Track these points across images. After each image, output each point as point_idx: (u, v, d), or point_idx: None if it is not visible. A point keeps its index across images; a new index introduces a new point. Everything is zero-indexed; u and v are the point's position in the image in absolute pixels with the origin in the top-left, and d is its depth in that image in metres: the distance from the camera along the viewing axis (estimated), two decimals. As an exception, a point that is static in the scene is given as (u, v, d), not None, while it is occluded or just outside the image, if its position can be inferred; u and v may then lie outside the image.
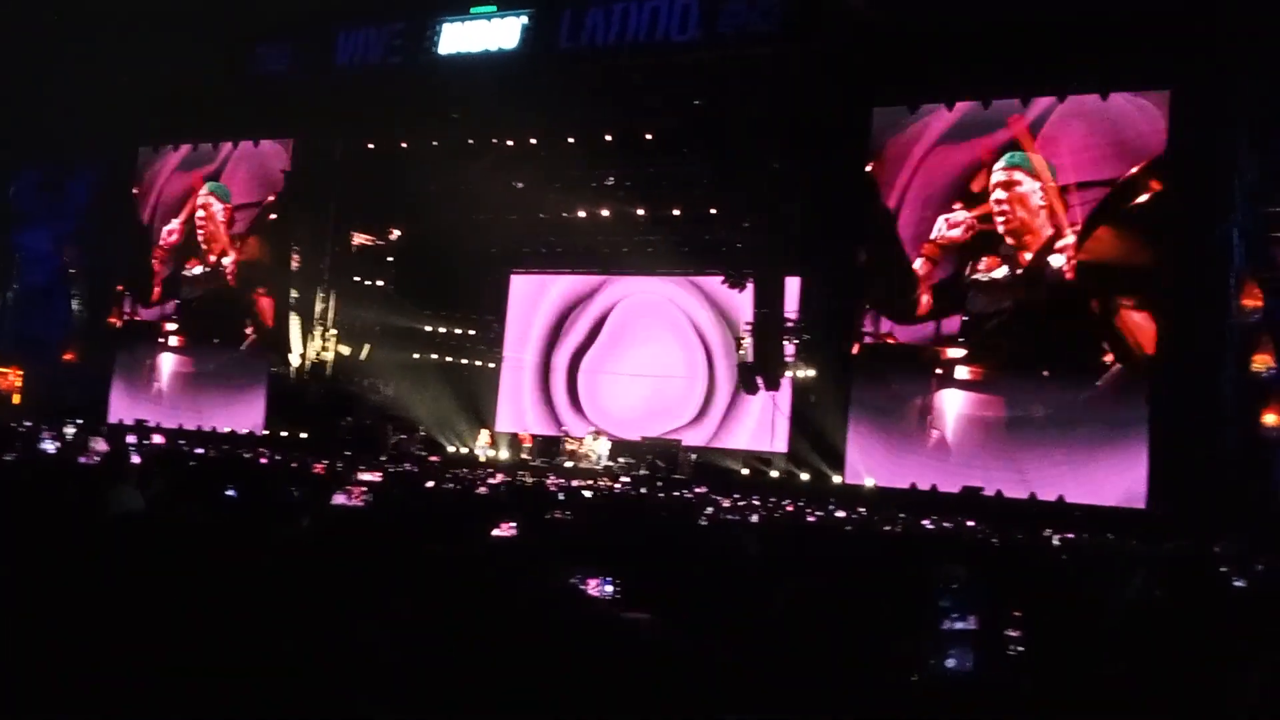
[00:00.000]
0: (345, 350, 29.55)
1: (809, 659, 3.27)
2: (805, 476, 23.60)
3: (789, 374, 24.90)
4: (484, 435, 29.29)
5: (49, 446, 8.38)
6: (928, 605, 4.16)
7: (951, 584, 3.62)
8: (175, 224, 30.87)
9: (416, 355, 31.43)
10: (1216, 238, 19.74)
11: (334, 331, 29.38)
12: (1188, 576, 4.61)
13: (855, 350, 22.94)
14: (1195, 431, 19.38)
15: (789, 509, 17.08)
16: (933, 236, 22.02)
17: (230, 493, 7.43)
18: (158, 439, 17.38)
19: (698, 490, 21.12)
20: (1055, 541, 13.45)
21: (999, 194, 21.22)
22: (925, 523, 15.54)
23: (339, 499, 6.72)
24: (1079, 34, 20.37)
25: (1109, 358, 20.28)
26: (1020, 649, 3.95)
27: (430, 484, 14.47)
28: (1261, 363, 19.61)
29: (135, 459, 7.70)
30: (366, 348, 29.53)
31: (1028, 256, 21.01)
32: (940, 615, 3.54)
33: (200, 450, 17.93)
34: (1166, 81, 20.39)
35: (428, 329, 32.34)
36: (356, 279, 30.49)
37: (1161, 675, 3.01)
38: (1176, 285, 19.91)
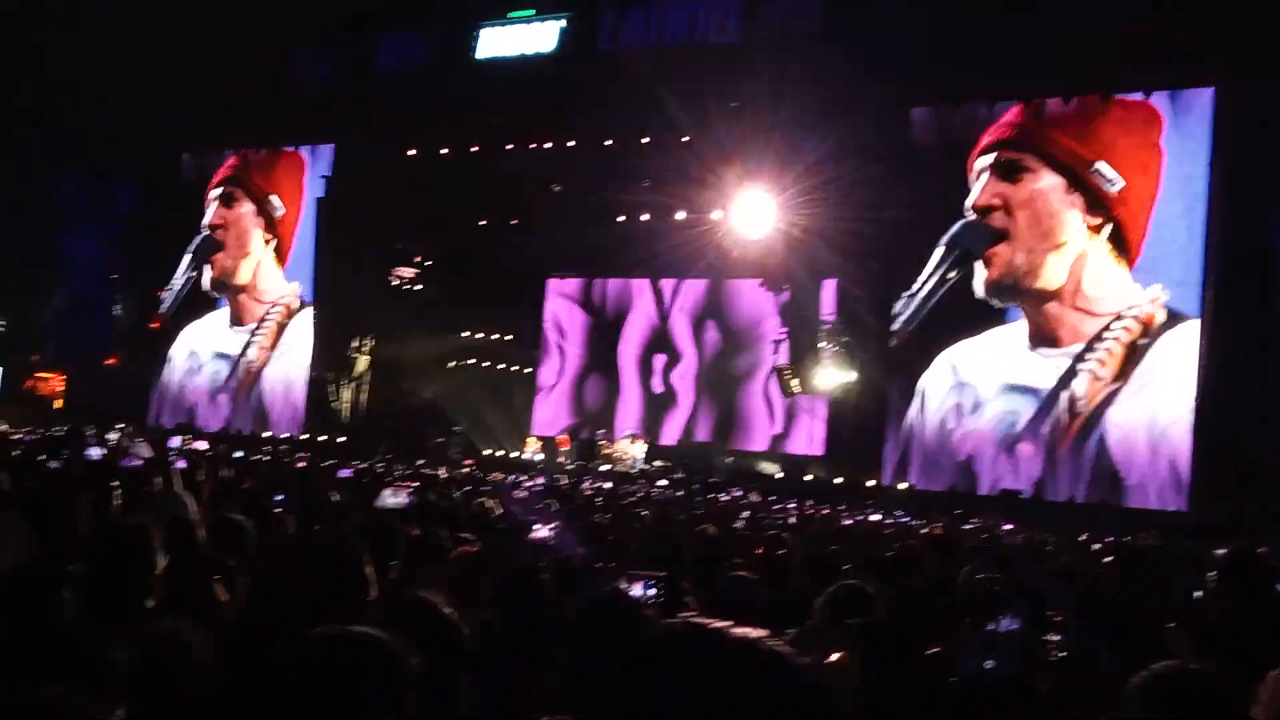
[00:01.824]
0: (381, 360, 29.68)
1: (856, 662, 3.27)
2: (839, 480, 23.53)
3: (825, 377, 24.82)
4: (533, 442, 29.43)
5: (95, 453, 8.48)
6: (969, 607, 4.15)
7: (994, 586, 3.61)
8: (217, 228, 31.03)
9: (454, 361, 31.56)
10: (1261, 238, 19.54)
11: (370, 342, 29.44)
12: (1234, 579, 4.57)
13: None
14: (1239, 433, 19.18)
15: (825, 512, 17.02)
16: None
17: (279, 497, 7.48)
18: (200, 444, 17.49)
19: (734, 493, 21.07)
20: (1095, 546, 13.33)
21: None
22: (965, 526, 15.46)
23: (385, 499, 6.76)
24: (1123, 33, 20.12)
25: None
26: (1063, 654, 3.94)
27: (469, 487, 14.52)
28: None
29: (180, 464, 7.78)
30: (365, 359, 29.46)
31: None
32: (982, 617, 3.54)
33: (240, 454, 18.04)
34: (1212, 78, 20.19)
35: (465, 334, 32.45)
36: (395, 284, 30.65)
37: (1209, 679, 2.98)
38: (1221, 286, 19.71)
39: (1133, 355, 19.12)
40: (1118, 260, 19.71)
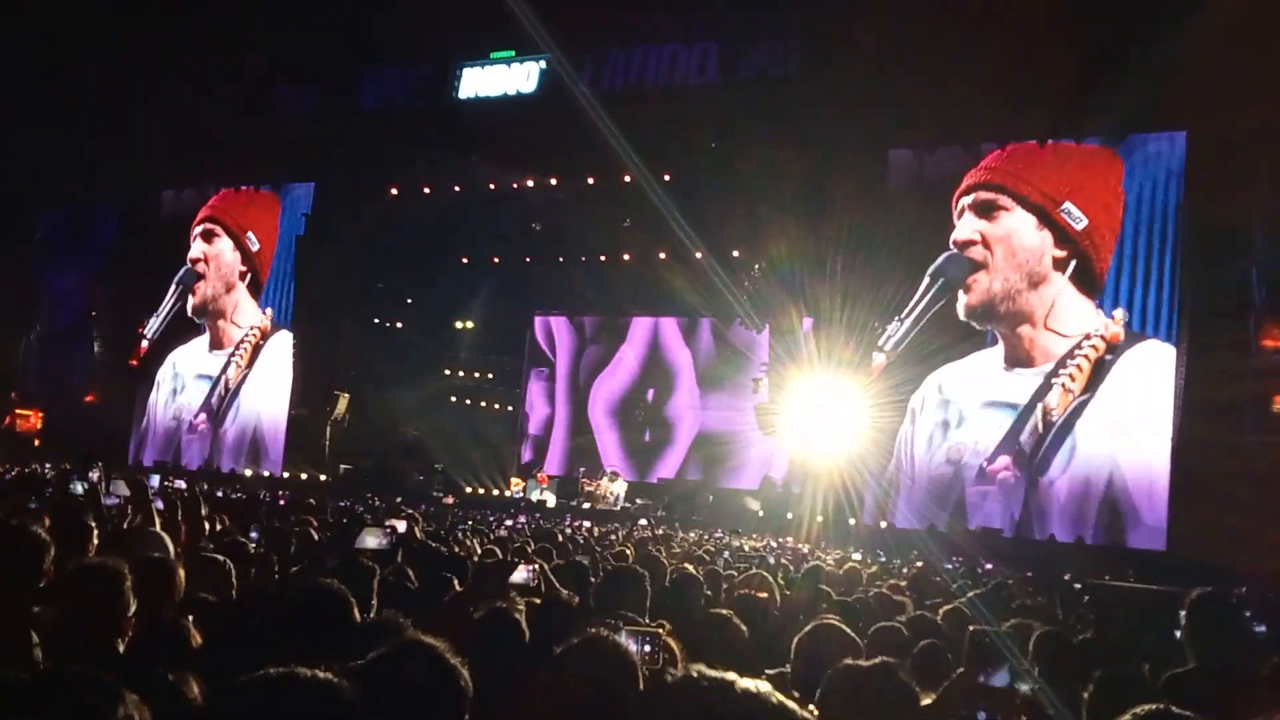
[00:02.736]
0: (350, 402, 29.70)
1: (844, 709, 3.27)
2: (820, 519, 23.52)
3: (803, 414, 24.89)
4: (517, 481, 29.42)
5: (78, 488, 8.45)
6: (958, 657, 4.16)
7: (985, 638, 3.62)
8: (198, 262, 31.44)
9: (436, 400, 31.54)
10: (1235, 278, 19.74)
11: (348, 392, 29.49)
12: (1203, 622, 4.58)
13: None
14: (1217, 474, 19.29)
15: (805, 551, 17.01)
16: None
17: (253, 535, 7.47)
18: (179, 483, 17.39)
19: (715, 532, 21.05)
20: (1075, 585, 13.36)
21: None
22: (947, 565, 15.47)
23: (365, 541, 6.74)
24: (1097, 76, 20.43)
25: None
26: (1037, 699, 3.94)
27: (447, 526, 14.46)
28: (1283, 404, 19.56)
29: (159, 504, 7.73)
30: (344, 399, 29.45)
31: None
32: (973, 668, 3.55)
33: (219, 494, 17.94)
34: (1184, 122, 20.63)
35: (447, 372, 32.48)
36: (376, 321, 30.67)
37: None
38: (1196, 326, 19.95)
39: (1099, 370, 20.26)
40: (1083, 289, 20.77)
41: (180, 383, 31.44)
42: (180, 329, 31.59)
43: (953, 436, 21.64)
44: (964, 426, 21.53)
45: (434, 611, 4.99)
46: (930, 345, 21.97)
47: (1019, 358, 20.99)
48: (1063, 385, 20.40)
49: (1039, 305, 20.87)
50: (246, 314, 30.61)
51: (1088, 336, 20.46)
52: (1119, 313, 20.42)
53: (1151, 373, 20.19)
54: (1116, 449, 20.31)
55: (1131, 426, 20.19)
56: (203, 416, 30.71)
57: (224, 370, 30.59)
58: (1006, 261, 21.14)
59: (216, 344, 30.99)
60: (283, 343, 30.04)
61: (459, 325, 32.56)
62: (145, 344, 31.85)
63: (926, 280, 21.76)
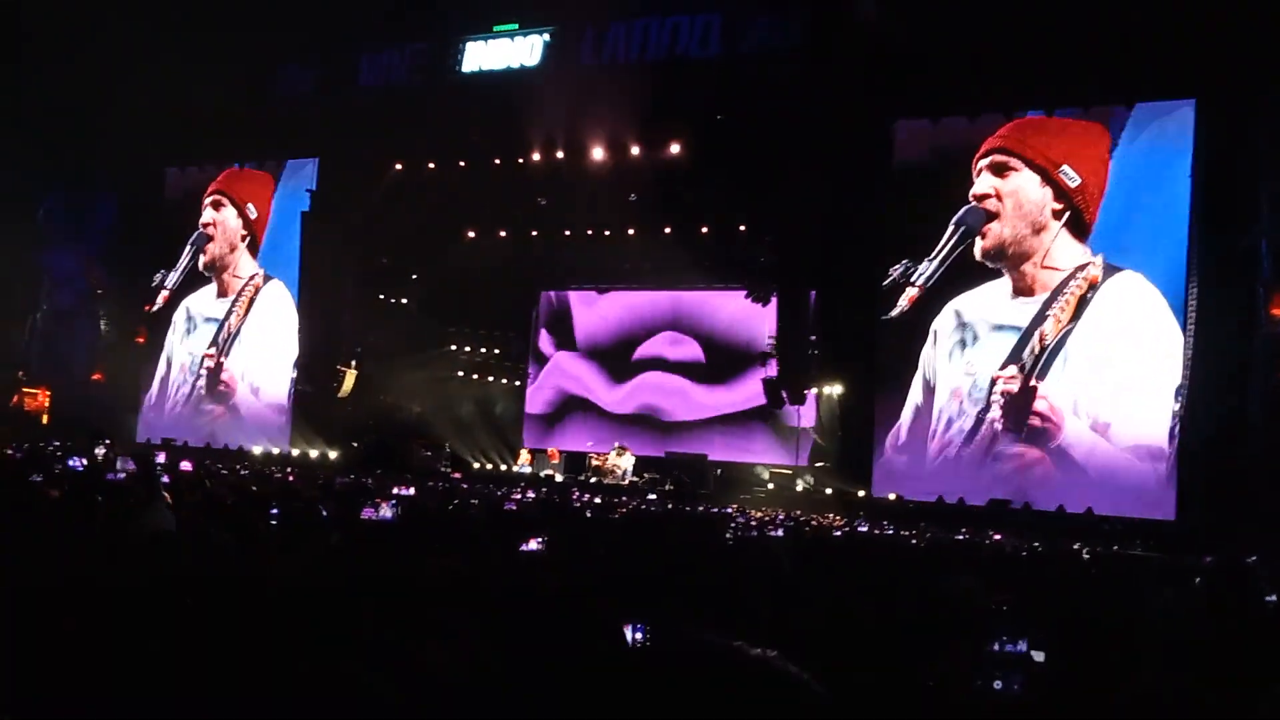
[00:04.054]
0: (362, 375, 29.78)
1: (849, 678, 3.24)
2: (829, 491, 23.60)
3: (813, 388, 24.94)
4: (524, 455, 29.46)
5: (77, 464, 8.42)
6: (973, 625, 4.13)
7: (1001, 605, 3.59)
8: (208, 226, 32.28)
9: (442, 375, 31.54)
10: (1243, 248, 19.71)
11: (355, 364, 29.54)
12: (1224, 590, 4.55)
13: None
14: (1224, 443, 19.32)
15: (816, 523, 17.01)
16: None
17: (274, 511, 7.39)
18: (185, 464, 17.40)
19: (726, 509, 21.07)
20: (1084, 555, 13.34)
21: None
22: (957, 537, 15.47)
23: (368, 513, 6.71)
24: (1104, 45, 20.42)
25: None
26: (1045, 670, 3.90)
27: (457, 500, 14.44)
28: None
29: (165, 479, 7.71)
30: (351, 375, 29.50)
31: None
32: (988, 636, 3.51)
33: (224, 471, 17.95)
34: (1192, 91, 20.68)
35: (453, 347, 32.47)
36: (381, 297, 30.62)
37: (1194, 692, 2.97)
38: (1204, 296, 19.96)
39: (1083, 303, 22.30)
40: (1075, 235, 22.41)
41: (192, 324, 32.85)
42: (194, 281, 32.76)
43: (968, 353, 23.39)
44: (977, 345, 23.29)
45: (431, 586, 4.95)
46: (953, 279, 23.48)
47: (1021, 289, 22.94)
48: (1055, 315, 22.48)
49: (1039, 247, 22.79)
50: (246, 269, 32.18)
51: (1074, 275, 22.42)
52: (1099, 257, 22.17)
53: (1125, 296, 21.88)
54: (1099, 370, 21.77)
55: (1109, 345, 21.77)
56: (212, 350, 32.17)
57: (228, 314, 32.23)
58: (1015, 213, 22.92)
59: (222, 293, 32.48)
60: (275, 292, 31.20)
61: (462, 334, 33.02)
62: (165, 294, 33.01)
63: (950, 228, 23.36)
